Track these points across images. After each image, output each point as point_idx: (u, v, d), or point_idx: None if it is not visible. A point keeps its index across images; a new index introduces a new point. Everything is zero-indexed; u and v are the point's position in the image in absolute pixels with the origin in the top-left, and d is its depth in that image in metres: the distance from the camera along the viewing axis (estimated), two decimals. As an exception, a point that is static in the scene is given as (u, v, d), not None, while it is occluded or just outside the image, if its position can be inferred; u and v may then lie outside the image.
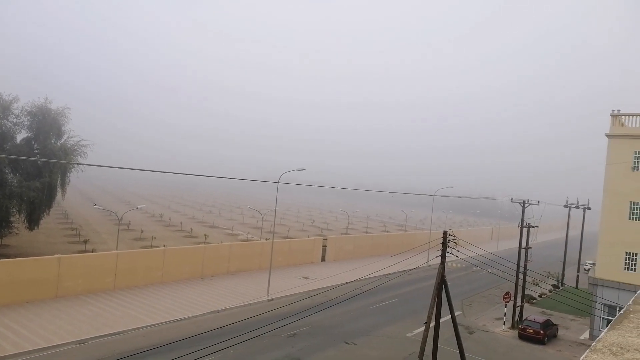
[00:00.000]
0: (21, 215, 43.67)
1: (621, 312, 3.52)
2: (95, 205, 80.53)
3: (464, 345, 23.74)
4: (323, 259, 59.90)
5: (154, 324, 29.70)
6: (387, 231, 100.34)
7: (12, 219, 42.76)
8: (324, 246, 60.93)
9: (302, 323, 29.05)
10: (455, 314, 23.73)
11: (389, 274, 43.07)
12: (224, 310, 34.20)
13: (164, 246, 48.20)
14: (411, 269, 49.62)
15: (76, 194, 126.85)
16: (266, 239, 60.58)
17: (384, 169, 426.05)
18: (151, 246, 53.06)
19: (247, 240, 67.12)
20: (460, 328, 25.05)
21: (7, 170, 42.09)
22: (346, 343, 29.29)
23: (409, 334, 32.34)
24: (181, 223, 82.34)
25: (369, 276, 39.91)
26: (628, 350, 2.66)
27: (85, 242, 52.68)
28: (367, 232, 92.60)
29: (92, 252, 45.56)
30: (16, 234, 45.80)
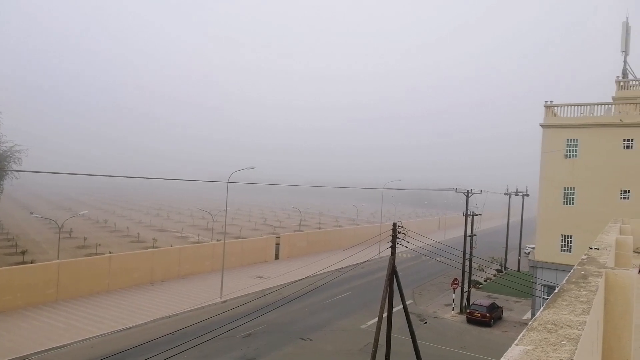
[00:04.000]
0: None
1: (555, 291, 3.72)
2: (32, 213, 76.18)
3: (416, 332, 24.43)
4: (277, 257, 59.71)
5: (101, 334, 28.55)
6: (340, 226, 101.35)
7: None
8: (277, 244, 60.71)
9: (258, 322, 28.93)
10: (407, 302, 24.35)
11: (342, 268, 43.60)
12: (176, 315, 33.40)
13: (110, 253, 46.38)
14: (363, 262, 50.45)
15: (10, 202, 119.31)
16: (217, 240, 59.58)
17: (343, 166, 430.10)
18: (96, 254, 50.84)
19: (198, 242, 65.74)
20: (412, 316, 25.73)
21: None
22: (302, 339, 29.39)
23: (363, 326, 32.90)
24: (127, 228, 79.39)
25: (323, 271, 40.25)
26: (561, 327, 2.85)
27: (23, 253, 49.72)
28: (320, 228, 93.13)
29: (31, 263, 43.07)
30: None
